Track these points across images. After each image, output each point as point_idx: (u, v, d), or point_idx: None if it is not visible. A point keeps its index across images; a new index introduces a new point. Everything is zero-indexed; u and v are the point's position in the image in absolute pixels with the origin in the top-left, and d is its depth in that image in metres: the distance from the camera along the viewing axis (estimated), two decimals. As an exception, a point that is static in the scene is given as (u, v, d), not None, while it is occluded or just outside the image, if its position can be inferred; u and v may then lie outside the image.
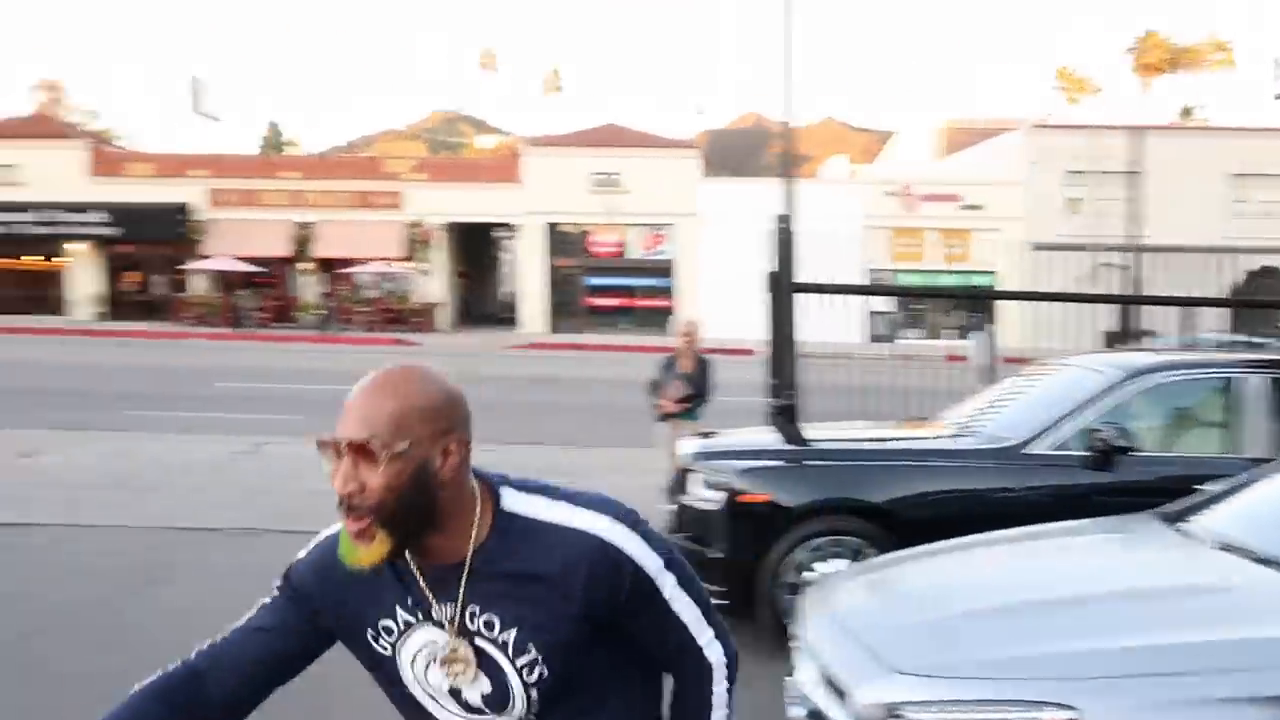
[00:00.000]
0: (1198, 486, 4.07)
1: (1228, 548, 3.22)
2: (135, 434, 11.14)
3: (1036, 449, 5.07)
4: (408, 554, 1.44)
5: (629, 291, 32.63)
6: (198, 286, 31.90)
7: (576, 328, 31.61)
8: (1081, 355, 6.16)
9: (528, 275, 32.96)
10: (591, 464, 9.90)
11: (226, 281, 31.76)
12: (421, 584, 1.46)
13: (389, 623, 1.50)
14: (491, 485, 1.49)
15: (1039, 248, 8.89)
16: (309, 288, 32.27)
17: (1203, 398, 5.39)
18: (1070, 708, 2.47)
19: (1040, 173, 31.56)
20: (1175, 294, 9.37)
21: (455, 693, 1.49)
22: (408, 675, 1.52)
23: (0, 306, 30.84)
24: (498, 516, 1.46)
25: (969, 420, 5.83)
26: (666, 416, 7.54)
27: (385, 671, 1.54)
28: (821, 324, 7.81)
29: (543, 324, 32.10)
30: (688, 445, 5.83)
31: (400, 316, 31.06)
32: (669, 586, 1.51)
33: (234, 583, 6.09)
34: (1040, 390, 5.77)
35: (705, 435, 6.17)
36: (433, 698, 1.52)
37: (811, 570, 4.92)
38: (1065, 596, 3.08)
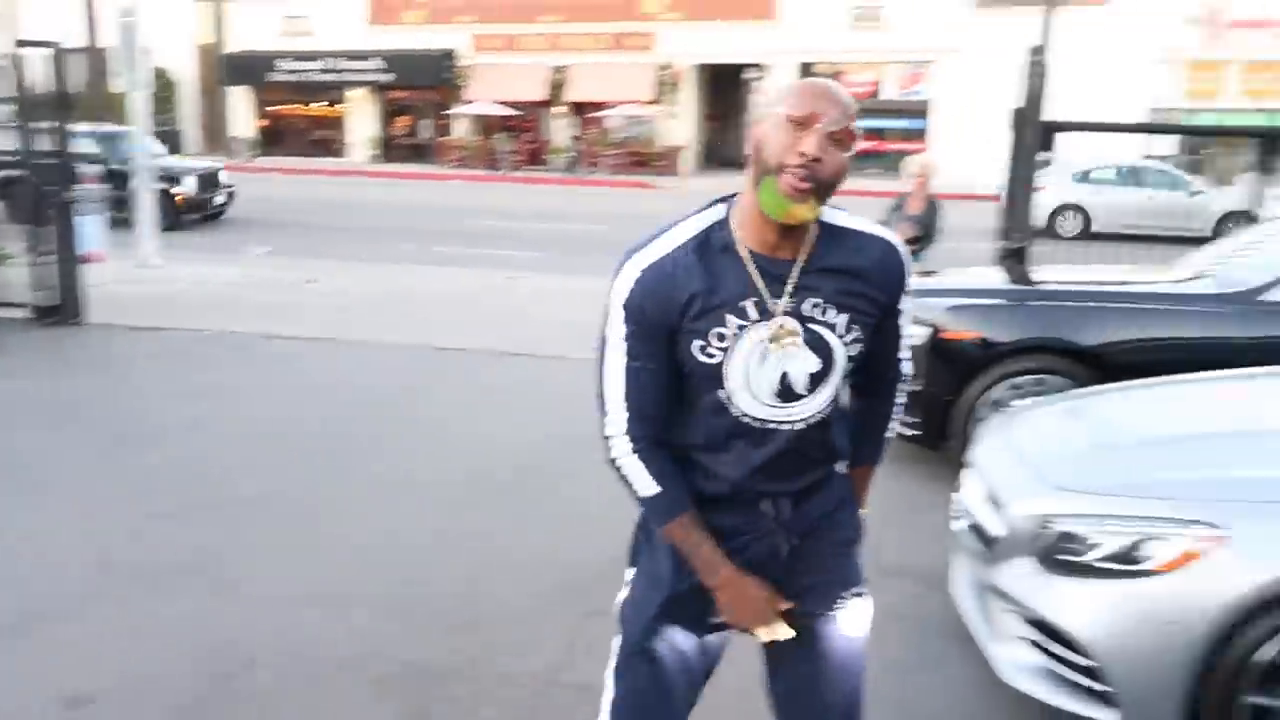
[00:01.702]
0: None
1: None
2: (401, 265, 12.28)
3: (1273, 296, 4.69)
4: (751, 252, 1.68)
5: (879, 134, 31.30)
6: (460, 130, 33.62)
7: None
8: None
9: (775, 118, 32.25)
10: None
11: (486, 125, 33.27)
12: (761, 281, 1.68)
13: (722, 330, 1.68)
14: None
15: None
16: (561, 131, 33.23)
17: None
18: (1217, 526, 2.47)
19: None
20: None
21: (783, 378, 1.70)
22: (735, 377, 1.70)
23: (293, 150, 33.99)
24: (821, 224, 1.73)
25: (1209, 265, 5.45)
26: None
27: (706, 378, 1.72)
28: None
29: (788, 168, 31.53)
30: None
31: (645, 160, 31.48)
32: (907, 303, 1.83)
33: (482, 395, 6.80)
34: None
35: (925, 275, 6.13)
36: (752, 395, 1.71)
37: (1008, 407, 4.90)
38: (1239, 430, 2.98)
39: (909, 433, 5.16)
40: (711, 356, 1.68)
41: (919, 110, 30.89)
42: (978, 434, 3.71)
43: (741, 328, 1.67)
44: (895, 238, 1.80)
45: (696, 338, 1.68)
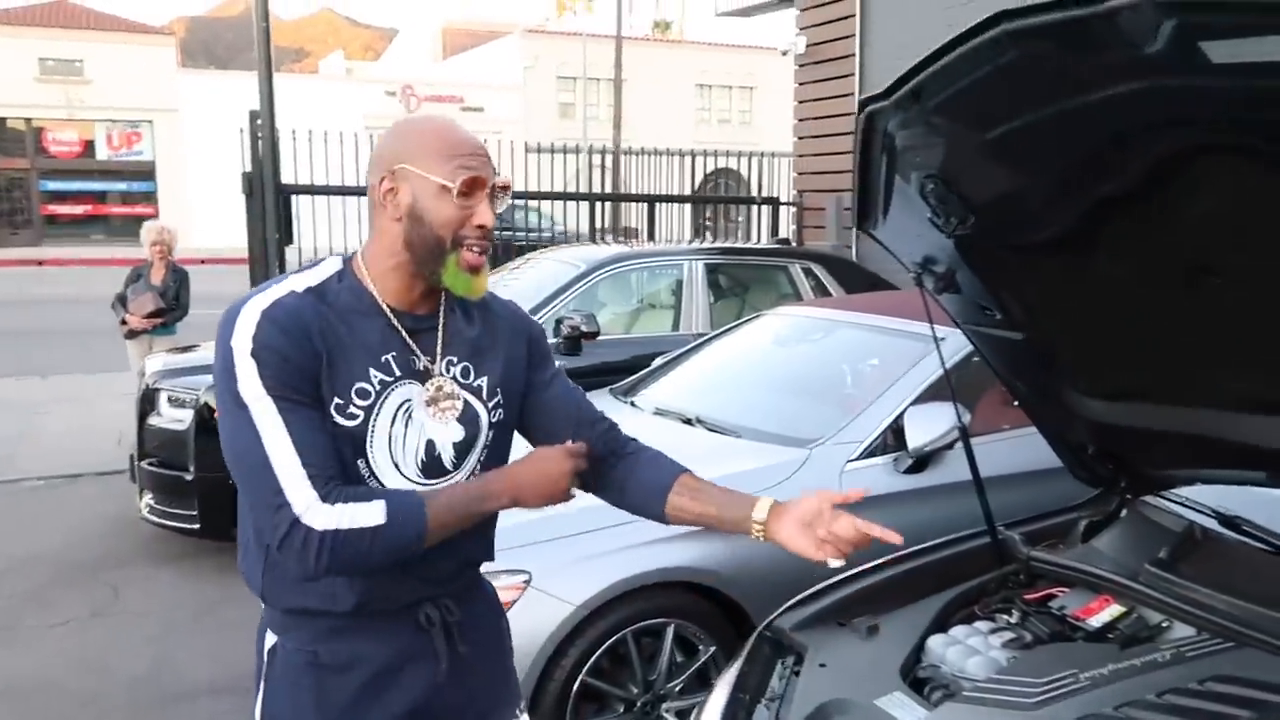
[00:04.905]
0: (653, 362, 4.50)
1: (661, 413, 3.62)
2: None
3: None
4: (391, 308, 1.49)
5: (100, 197, 28.73)
6: None
7: (31, 240, 27.28)
8: (560, 249, 6.51)
9: (-37, 179, 27.68)
10: (50, 395, 8.66)
11: None
12: (407, 335, 1.49)
13: (364, 385, 1.44)
14: None
15: (533, 150, 9.28)
16: None
17: (655, 284, 5.98)
18: (523, 571, 2.63)
19: (534, 78, 32.76)
20: (649, 192, 10.34)
21: (429, 446, 1.50)
22: (379, 440, 1.46)
23: None
24: None
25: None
26: (135, 334, 6.76)
27: (345, 446, 1.44)
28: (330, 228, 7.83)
29: (-14, 237, 27.27)
30: (153, 363, 5.33)
31: None
32: (554, 358, 1.72)
33: None
34: (522, 284, 6.02)
35: (183, 351, 5.69)
36: (395, 465, 1.48)
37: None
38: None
39: (186, 526, 4.76)
40: (353, 418, 1.44)
41: (143, 172, 29.09)
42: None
43: (385, 384, 1.46)
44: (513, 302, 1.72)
45: (334, 395, 1.42)
